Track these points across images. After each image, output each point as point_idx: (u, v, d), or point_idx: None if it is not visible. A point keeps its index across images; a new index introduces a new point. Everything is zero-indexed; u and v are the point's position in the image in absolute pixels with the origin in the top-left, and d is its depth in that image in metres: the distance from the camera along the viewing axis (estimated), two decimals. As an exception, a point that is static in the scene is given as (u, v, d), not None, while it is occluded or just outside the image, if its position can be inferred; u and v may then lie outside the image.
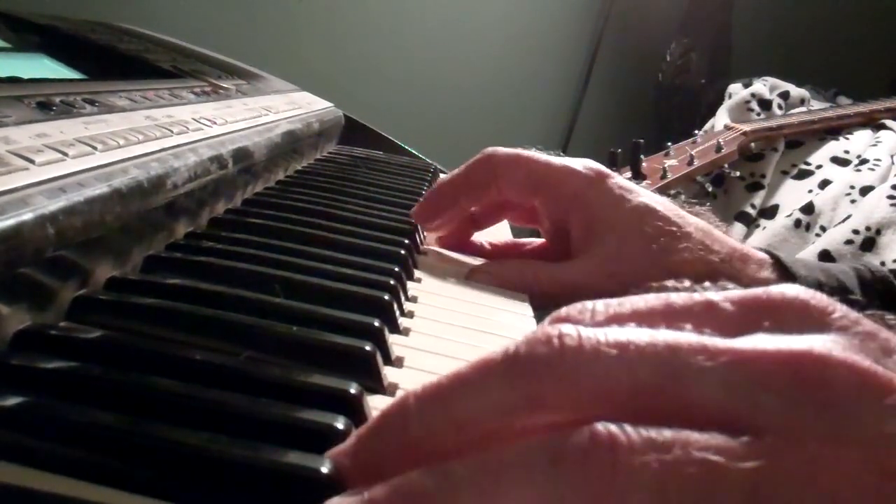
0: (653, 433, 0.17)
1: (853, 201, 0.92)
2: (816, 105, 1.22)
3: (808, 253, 0.87)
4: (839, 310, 0.19)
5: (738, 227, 0.99)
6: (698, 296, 0.20)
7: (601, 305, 0.21)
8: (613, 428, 0.17)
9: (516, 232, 0.59)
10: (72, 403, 0.21)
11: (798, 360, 0.18)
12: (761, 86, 1.20)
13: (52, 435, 0.20)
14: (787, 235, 0.94)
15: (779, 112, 1.17)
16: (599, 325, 0.20)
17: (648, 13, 1.86)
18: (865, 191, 0.92)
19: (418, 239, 0.50)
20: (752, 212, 1.02)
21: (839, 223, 0.89)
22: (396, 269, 0.39)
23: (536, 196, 0.46)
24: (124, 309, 0.29)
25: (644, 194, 0.45)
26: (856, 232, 0.86)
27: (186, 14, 1.60)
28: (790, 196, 1.01)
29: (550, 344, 0.19)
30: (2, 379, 0.23)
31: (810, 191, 0.99)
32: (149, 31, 0.84)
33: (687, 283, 0.22)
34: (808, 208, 0.94)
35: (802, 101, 1.22)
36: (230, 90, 0.60)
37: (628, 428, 0.17)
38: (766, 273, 0.45)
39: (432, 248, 0.51)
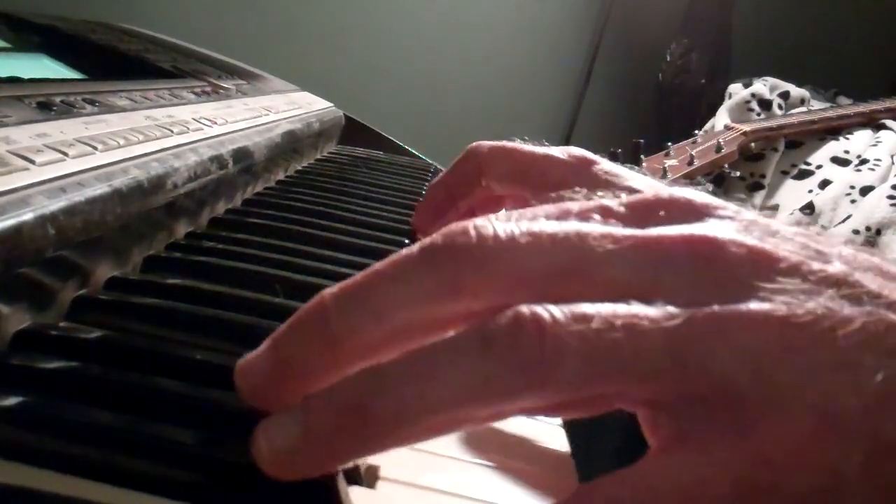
0: (573, 307, 0.18)
1: (853, 201, 0.92)
2: (816, 105, 1.22)
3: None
4: (721, 204, 0.21)
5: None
6: (593, 202, 0.21)
7: (513, 211, 0.22)
8: (536, 307, 0.18)
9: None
10: (72, 403, 0.21)
11: (692, 240, 0.19)
12: (761, 86, 1.19)
13: (52, 434, 0.20)
14: (787, 235, 0.94)
15: (779, 112, 1.17)
16: (511, 220, 0.21)
17: (648, 13, 1.86)
18: (865, 191, 0.92)
19: (418, 239, 0.50)
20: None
21: (839, 223, 0.89)
22: (396, 269, 0.39)
23: (523, 187, 0.46)
24: (124, 309, 0.29)
25: (630, 177, 0.45)
26: (856, 232, 0.86)
27: (186, 14, 1.60)
28: (790, 196, 1.01)
29: (467, 233, 0.20)
30: (2, 379, 0.23)
31: (810, 191, 0.99)
32: (149, 31, 0.84)
33: (582, 192, 0.23)
34: (809, 208, 0.94)
35: (802, 101, 1.22)
36: (230, 90, 0.60)
37: (549, 306, 0.18)
38: None
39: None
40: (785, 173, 1.05)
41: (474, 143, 0.47)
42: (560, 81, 1.90)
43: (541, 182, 0.45)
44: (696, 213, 0.21)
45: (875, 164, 0.97)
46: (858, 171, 0.97)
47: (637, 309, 0.18)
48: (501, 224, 0.20)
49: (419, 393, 0.18)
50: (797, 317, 0.17)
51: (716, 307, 0.18)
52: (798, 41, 1.82)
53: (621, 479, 0.18)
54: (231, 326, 0.29)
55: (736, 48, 1.77)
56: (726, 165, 1.01)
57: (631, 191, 0.42)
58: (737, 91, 1.20)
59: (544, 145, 0.46)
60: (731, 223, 0.20)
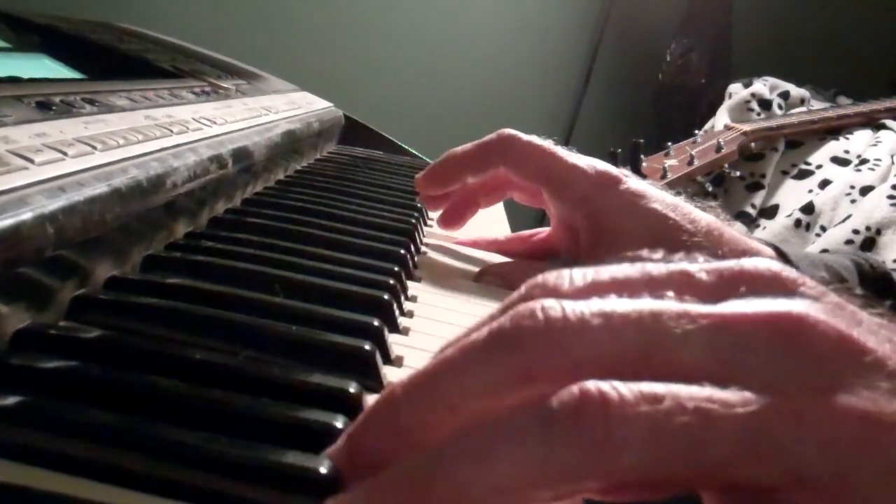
0: (643, 387, 0.17)
1: (853, 201, 0.92)
2: (816, 105, 1.22)
3: (808, 253, 0.87)
4: (808, 281, 0.20)
5: (739, 228, 0.99)
6: (674, 266, 0.21)
7: (578, 274, 0.21)
8: (602, 384, 0.17)
9: (516, 216, 0.59)
10: (71, 403, 0.21)
11: (779, 319, 0.18)
12: (761, 86, 1.19)
13: (52, 434, 0.20)
14: (787, 235, 0.94)
15: (779, 112, 1.17)
16: (579, 293, 0.20)
17: (648, 13, 1.86)
18: (865, 191, 0.92)
19: (418, 239, 0.50)
20: (752, 212, 1.02)
21: (839, 223, 0.89)
22: (396, 268, 0.39)
23: (544, 188, 0.46)
24: (124, 308, 0.29)
25: (656, 199, 0.44)
26: (856, 232, 0.86)
27: (186, 14, 1.60)
28: (790, 196, 1.01)
29: (535, 317, 0.19)
30: (1, 378, 0.23)
31: (810, 191, 0.99)
32: (149, 31, 0.84)
33: (660, 254, 0.22)
34: (809, 208, 0.94)
35: (802, 101, 1.22)
36: (230, 90, 0.60)
37: (617, 383, 0.17)
38: None
39: (432, 247, 0.51)
40: (785, 173, 1.05)
41: (507, 130, 0.46)
42: (560, 81, 1.90)
43: (562, 190, 0.45)
44: (782, 287, 0.20)
45: (875, 164, 0.97)
46: (858, 170, 0.97)
47: (711, 391, 0.17)
48: (570, 304, 0.19)
49: (478, 474, 0.17)
50: (884, 416, 0.17)
51: (797, 395, 0.17)
52: (798, 41, 1.82)
53: None
54: (231, 326, 0.29)
55: (736, 48, 1.77)
56: (726, 165, 1.01)
57: (661, 217, 0.42)
58: (737, 91, 1.20)
59: (572, 150, 0.46)
60: (817, 304, 0.19)
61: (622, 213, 0.43)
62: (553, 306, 0.19)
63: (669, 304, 0.19)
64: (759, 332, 0.18)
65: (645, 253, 0.22)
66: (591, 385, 0.17)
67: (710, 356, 0.18)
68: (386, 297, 0.34)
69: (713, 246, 0.43)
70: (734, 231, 0.46)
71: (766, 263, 0.20)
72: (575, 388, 0.17)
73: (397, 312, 0.35)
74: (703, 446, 0.17)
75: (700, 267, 0.20)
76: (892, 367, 0.18)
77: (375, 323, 0.31)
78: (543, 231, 0.52)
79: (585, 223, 0.45)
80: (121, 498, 0.19)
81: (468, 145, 0.47)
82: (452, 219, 0.51)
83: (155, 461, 0.20)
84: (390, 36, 1.77)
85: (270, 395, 0.24)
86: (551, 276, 0.21)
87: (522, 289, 0.21)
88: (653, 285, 0.20)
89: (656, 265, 0.21)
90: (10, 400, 0.21)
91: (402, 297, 0.38)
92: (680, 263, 0.21)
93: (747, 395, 0.17)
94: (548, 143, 0.46)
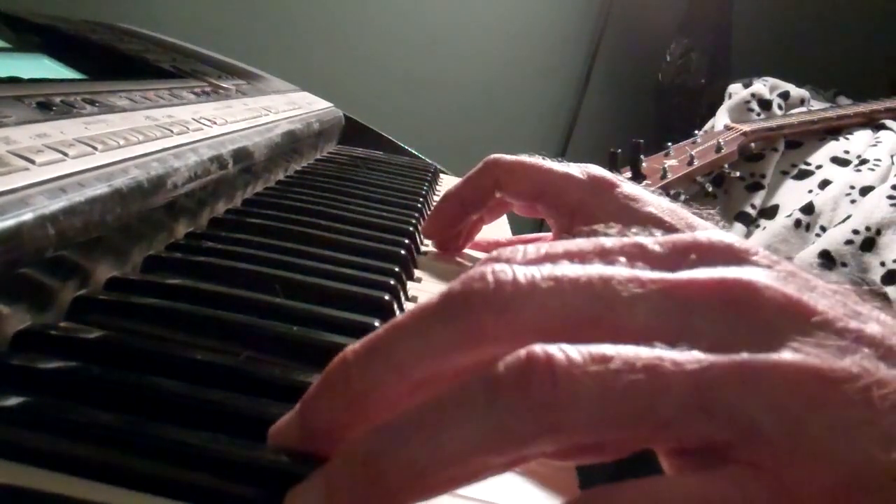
0: (591, 348, 0.17)
1: (853, 201, 0.92)
2: (816, 105, 1.22)
3: (808, 253, 0.87)
4: (762, 251, 0.20)
5: (738, 228, 0.99)
6: (628, 238, 0.21)
7: (532, 247, 0.21)
8: (549, 346, 0.17)
9: (518, 224, 0.59)
10: (72, 403, 0.21)
11: (727, 285, 0.19)
12: (761, 86, 1.19)
13: (52, 435, 0.20)
14: (787, 235, 0.94)
15: (779, 112, 1.17)
16: (531, 263, 0.20)
17: (648, 13, 1.86)
18: (865, 191, 0.92)
19: (418, 239, 0.50)
20: (752, 212, 1.02)
21: (839, 223, 0.89)
22: (396, 269, 0.39)
23: (540, 203, 0.46)
24: (124, 309, 0.29)
25: (651, 203, 0.44)
26: (856, 232, 0.86)
27: (186, 14, 1.60)
28: (790, 196, 1.01)
29: (484, 279, 0.19)
30: (2, 379, 0.23)
31: (810, 191, 0.99)
32: (149, 31, 0.84)
33: (616, 228, 0.22)
34: (808, 208, 0.94)
35: (802, 101, 1.22)
36: (230, 90, 0.60)
37: (564, 346, 0.17)
38: None
39: (432, 248, 0.51)
40: (785, 173, 1.05)
41: (492, 156, 0.46)
42: (560, 81, 1.90)
43: (558, 201, 0.45)
44: (734, 257, 0.20)
45: (875, 164, 0.97)
46: (858, 171, 0.97)
47: (660, 352, 0.17)
48: (521, 269, 0.19)
49: (428, 448, 0.17)
50: (832, 372, 0.17)
51: (745, 354, 0.17)
52: (798, 41, 1.82)
53: (633, 487, 0.17)
54: (231, 326, 0.29)
55: (736, 48, 1.77)
56: (726, 165, 1.01)
57: (657, 221, 0.42)
58: (737, 91, 1.20)
59: (562, 162, 0.46)
60: (769, 271, 0.19)
61: (618, 217, 0.43)
62: (504, 269, 0.19)
63: (619, 270, 0.19)
64: (706, 297, 0.18)
65: (601, 227, 0.22)
66: (538, 348, 0.17)
67: (659, 320, 0.18)
68: (386, 297, 0.34)
69: None
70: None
71: (720, 235, 0.21)
72: (522, 352, 0.17)
73: (398, 313, 0.35)
74: (653, 403, 0.17)
75: (654, 240, 0.21)
76: (842, 326, 0.18)
77: (376, 324, 0.31)
78: (545, 236, 0.52)
79: (583, 226, 0.44)
80: (121, 498, 0.19)
81: (458, 182, 0.48)
82: (455, 239, 0.51)
83: (155, 461, 0.20)
84: (390, 36, 1.77)
85: (271, 395, 0.24)
86: (506, 250, 0.21)
87: (478, 262, 0.21)
88: (604, 254, 0.20)
89: (610, 238, 0.21)
90: (11, 401, 0.21)
91: (403, 298, 0.38)
92: (634, 237, 0.21)
93: (696, 353, 0.17)
94: (535, 159, 0.46)
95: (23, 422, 0.20)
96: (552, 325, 0.18)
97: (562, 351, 0.17)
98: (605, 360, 0.17)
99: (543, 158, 0.46)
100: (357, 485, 0.18)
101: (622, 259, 0.20)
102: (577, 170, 0.45)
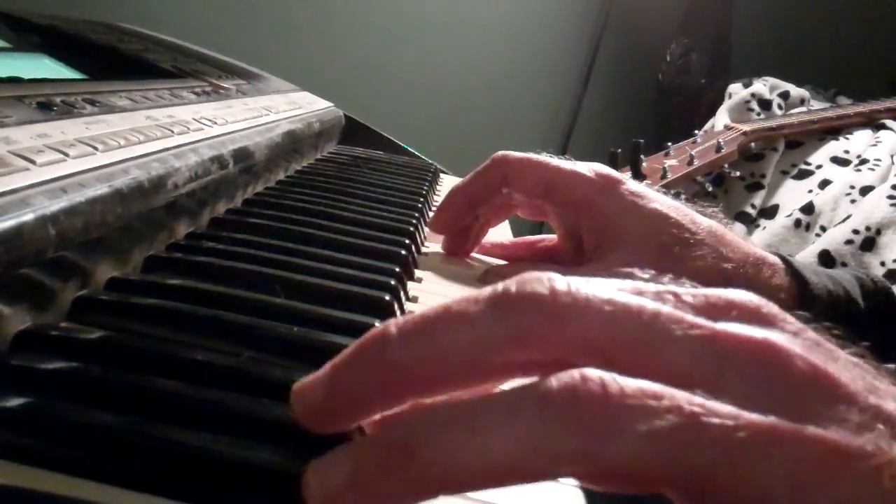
0: (642, 383, 0.17)
1: (853, 201, 0.92)
2: (816, 105, 1.22)
3: (808, 253, 0.87)
4: (788, 318, 0.21)
5: (738, 227, 0.99)
6: (666, 287, 0.21)
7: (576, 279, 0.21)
8: (602, 372, 0.17)
9: (520, 227, 0.59)
10: (73, 404, 0.21)
11: (762, 346, 0.19)
12: (761, 86, 1.20)
13: (52, 435, 0.20)
14: (787, 235, 0.94)
15: (779, 112, 1.17)
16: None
17: (648, 13, 1.86)
18: (865, 191, 0.92)
19: (418, 239, 0.50)
20: (752, 212, 1.02)
21: (839, 223, 0.90)
22: (397, 269, 0.39)
23: (546, 201, 0.46)
24: (125, 309, 0.29)
25: (657, 200, 0.44)
26: (856, 232, 0.86)
27: (186, 14, 1.60)
28: (790, 196, 1.01)
29: (542, 284, 0.19)
30: (3, 379, 0.23)
31: (810, 191, 0.99)
32: (149, 31, 0.84)
33: (649, 274, 0.22)
34: (808, 208, 0.94)
35: (802, 101, 1.22)
36: (230, 90, 0.60)
37: (616, 375, 0.17)
38: (779, 279, 0.45)
39: (433, 248, 0.51)
40: (785, 173, 1.05)
41: (500, 153, 0.46)
42: (560, 81, 1.90)
43: (565, 198, 0.46)
44: (764, 320, 0.20)
45: (875, 164, 0.97)
46: (858, 171, 0.97)
47: (704, 401, 0.17)
48: (576, 283, 0.19)
49: (467, 443, 0.17)
50: (848, 449, 0.17)
51: (773, 418, 0.17)
52: (798, 41, 1.82)
53: None
54: (231, 326, 0.29)
55: (736, 48, 1.77)
56: (726, 165, 1.01)
57: (662, 217, 0.42)
58: (737, 91, 1.20)
59: (569, 160, 0.46)
60: (796, 338, 0.20)
61: (625, 213, 0.44)
62: (560, 279, 0.19)
63: (668, 308, 0.19)
64: (742, 352, 0.19)
65: (636, 271, 0.22)
66: (592, 372, 0.17)
67: (699, 364, 0.18)
68: (387, 297, 0.34)
69: (716, 245, 0.43)
70: (735, 235, 0.46)
71: (750, 296, 0.21)
72: (576, 373, 0.17)
73: (398, 313, 0.35)
74: (690, 450, 0.17)
75: (687, 290, 0.21)
76: (863, 403, 0.18)
77: (376, 324, 0.31)
78: (548, 238, 0.52)
79: (590, 225, 0.45)
80: (121, 498, 0.19)
81: (466, 177, 0.48)
82: (463, 250, 0.51)
83: (156, 462, 0.20)
84: (390, 36, 1.77)
85: (271, 395, 0.24)
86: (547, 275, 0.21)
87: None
88: (652, 294, 0.20)
89: (648, 283, 0.21)
90: (12, 401, 0.21)
91: (403, 298, 0.38)
92: (668, 285, 0.21)
93: (733, 409, 0.17)
94: (542, 157, 0.46)
95: (23, 422, 0.20)
96: (597, 344, 0.19)
97: (615, 380, 0.17)
98: (655, 397, 0.17)
99: (550, 156, 0.46)
100: (389, 468, 0.17)
101: (669, 298, 0.20)
102: (585, 167, 0.45)
